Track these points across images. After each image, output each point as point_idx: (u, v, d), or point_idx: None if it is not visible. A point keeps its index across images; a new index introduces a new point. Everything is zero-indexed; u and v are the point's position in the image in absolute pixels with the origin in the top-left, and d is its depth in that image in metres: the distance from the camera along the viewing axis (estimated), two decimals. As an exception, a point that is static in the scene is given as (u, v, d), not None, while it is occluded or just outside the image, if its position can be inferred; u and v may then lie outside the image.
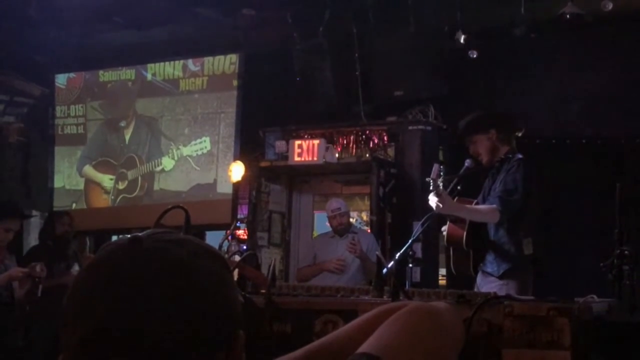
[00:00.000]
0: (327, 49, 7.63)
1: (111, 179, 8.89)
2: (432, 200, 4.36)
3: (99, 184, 8.99)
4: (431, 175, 4.34)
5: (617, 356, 3.09)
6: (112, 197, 8.88)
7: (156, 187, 8.63)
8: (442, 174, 4.36)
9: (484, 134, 4.71)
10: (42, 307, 6.26)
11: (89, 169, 9.07)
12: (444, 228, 4.74)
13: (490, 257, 4.55)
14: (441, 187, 4.34)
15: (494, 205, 4.46)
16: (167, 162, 8.57)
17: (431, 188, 4.34)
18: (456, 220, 4.65)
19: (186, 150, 8.46)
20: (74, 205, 8.98)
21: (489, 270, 4.54)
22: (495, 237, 4.55)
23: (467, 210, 4.58)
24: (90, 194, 9.05)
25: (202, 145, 8.37)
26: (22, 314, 6.50)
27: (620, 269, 3.67)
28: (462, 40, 7.10)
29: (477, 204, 4.65)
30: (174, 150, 8.53)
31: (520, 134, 4.86)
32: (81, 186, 9.12)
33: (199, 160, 8.38)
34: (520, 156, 4.64)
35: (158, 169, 8.61)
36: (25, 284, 6.21)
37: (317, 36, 7.63)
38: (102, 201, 8.97)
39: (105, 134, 9.06)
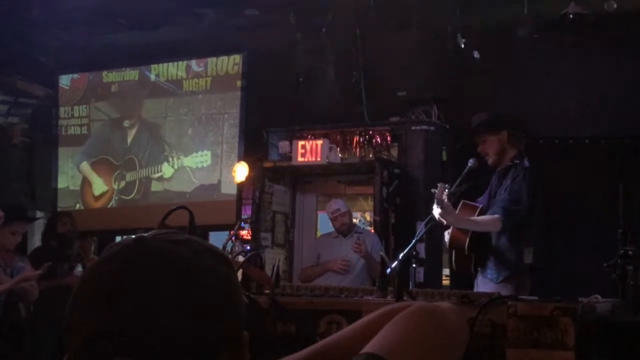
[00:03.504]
0: (330, 49, 7.63)
1: (105, 184, 8.88)
2: (436, 212, 4.41)
3: (90, 185, 8.99)
4: (436, 196, 4.37)
5: (621, 356, 3.09)
6: (116, 198, 8.89)
7: (159, 187, 8.63)
8: (447, 191, 4.39)
9: (495, 135, 4.71)
10: (46, 308, 6.28)
11: (85, 166, 9.07)
12: (447, 232, 4.76)
13: (490, 264, 4.58)
14: (446, 202, 4.37)
15: (496, 215, 4.47)
16: (167, 170, 8.57)
17: (436, 206, 4.38)
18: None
19: (187, 161, 8.46)
20: (77, 205, 8.99)
21: (488, 276, 4.57)
22: (497, 244, 4.56)
23: (469, 222, 4.60)
24: (87, 193, 9.05)
25: (203, 158, 8.38)
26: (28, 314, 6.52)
27: (624, 269, 3.66)
28: (462, 45, 7.12)
29: (482, 209, 4.66)
30: (175, 159, 8.53)
31: (528, 138, 4.87)
32: (83, 186, 9.15)
33: (198, 172, 8.39)
34: (527, 164, 4.64)
35: (156, 175, 8.61)
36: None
37: (321, 37, 7.64)
38: (97, 202, 8.96)
39: (109, 132, 9.06)
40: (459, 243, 4.65)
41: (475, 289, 4.58)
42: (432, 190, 4.43)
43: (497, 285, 4.46)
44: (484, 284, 4.54)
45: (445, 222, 4.53)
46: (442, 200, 4.35)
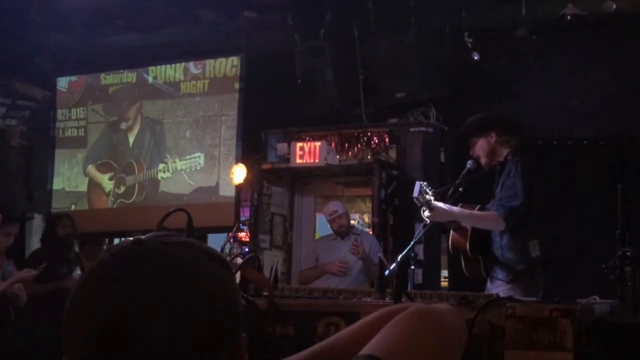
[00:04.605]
0: (328, 50, 7.62)
1: (110, 179, 8.89)
2: (425, 216, 4.36)
3: (99, 185, 9.01)
4: (414, 194, 4.32)
5: (620, 357, 3.09)
6: (112, 199, 8.90)
7: (157, 189, 8.63)
8: (427, 189, 4.33)
9: (483, 137, 4.69)
10: (45, 310, 6.28)
11: (91, 169, 9.10)
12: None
13: (497, 264, 4.53)
14: (432, 200, 4.31)
15: (497, 213, 4.43)
16: (164, 172, 8.59)
17: (418, 205, 4.33)
18: (458, 229, 4.63)
19: (180, 165, 8.47)
20: (72, 206, 8.99)
21: (499, 277, 4.52)
22: (501, 243, 4.52)
23: (465, 215, 4.55)
24: (93, 194, 9.06)
25: (196, 161, 8.39)
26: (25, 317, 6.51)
27: (622, 270, 3.66)
28: (469, 44, 7.11)
29: (480, 209, 4.62)
30: (169, 163, 8.54)
31: (521, 136, 4.82)
32: (81, 188, 9.14)
33: (193, 175, 8.39)
34: (518, 158, 4.60)
35: (157, 177, 8.62)
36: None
37: (319, 38, 7.63)
38: (103, 203, 8.99)
39: (111, 136, 9.07)
40: (460, 247, 4.61)
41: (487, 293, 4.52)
42: (413, 196, 4.36)
43: (508, 285, 4.42)
44: (495, 286, 4.49)
45: (436, 220, 4.48)
46: (427, 202, 4.31)
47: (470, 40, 7.13)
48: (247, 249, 7.55)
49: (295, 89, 7.84)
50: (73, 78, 9.37)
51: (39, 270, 6.24)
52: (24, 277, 6.25)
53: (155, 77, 8.84)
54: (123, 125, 8.98)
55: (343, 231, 6.63)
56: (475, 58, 7.24)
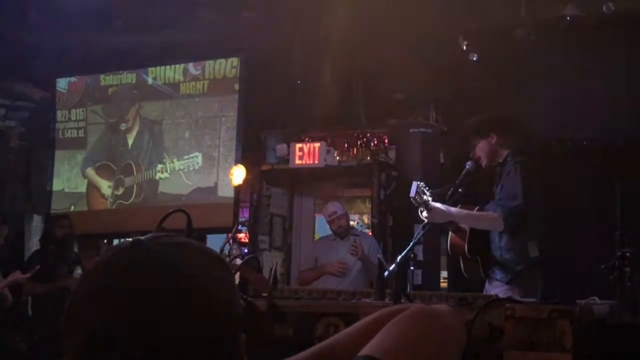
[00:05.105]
0: (328, 52, 7.63)
1: (109, 187, 8.90)
2: (424, 216, 4.36)
3: (97, 189, 9.01)
4: (411, 194, 4.31)
5: (619, 358, 3.09)
6: (111, 200, 8.90)
7: (156, 190, 8.63)
8: (425, 189, 4.33)
9: (484, 138, 4.69)
10: (45, 311, 6.29)
11: (90, 171, 9.10)
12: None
13: (496, 265, 4.53)
14: (429, 200, 4.31)
15: (496, 214, 4.44)
16: (163, 173, 8.58)
17: (416, 205, 4.33)
18: (457, 230, 4.63)
19: (178, 164, 8.47)
20: (72, 207, 8.99)
21: (497, 277, 4.53)
22: (500, 243, 4.52)
23: (463, 216, 4.55)
24: (92, 195, 9.06)
25: (194, 160, 8.38)
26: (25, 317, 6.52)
27: (622, 270, 3.66)
28: (464, 47, 7.11)
29: (479, 210, 4.63)
30: (167, 164, 8.54)
31: (521, 137, 4.83)
32: (80, 189, 9.13)
33: (191, 175, 8.39)
34: (517, 159, 4.62)
35: (155, 177, 8.62)
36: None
37: (318, 39, 7.63)
38: (102, 204, 8.99)
39: (110, 137, 9.07)
40: (459, 249, 4.62)
41: (486, 294, 4.52)
42: (410, 196, 4.36)
43: (507, 286, 4.42)
44: (493, 287, 4.50)
45: (435, 221, 4.47)
46: (425, 202, 4.31)
47: (470, 41, 7.13)
48: (246, 250, 7.56)
49: (295, 89, 7.84)
50: (72, 79, 9.37)
51: (32, 272, 6.24)
52: (17, 279, 6.26)
53: (154, 78, 8.83)
54: (122, 127, 8.97)
55: (342, 232, 6.62)
56: (474, 59, 7.24)
